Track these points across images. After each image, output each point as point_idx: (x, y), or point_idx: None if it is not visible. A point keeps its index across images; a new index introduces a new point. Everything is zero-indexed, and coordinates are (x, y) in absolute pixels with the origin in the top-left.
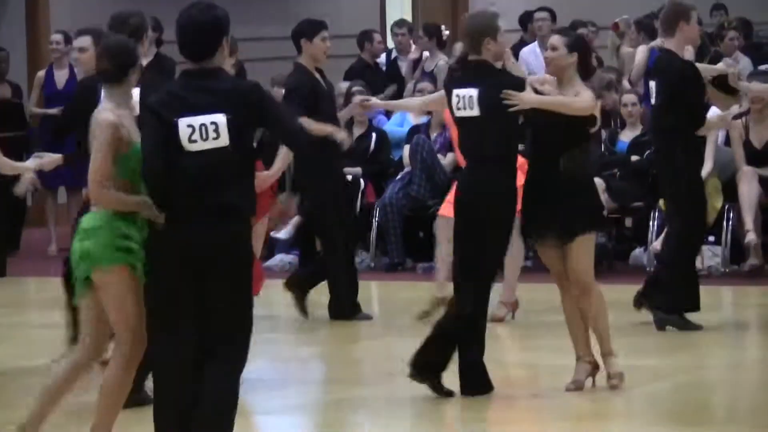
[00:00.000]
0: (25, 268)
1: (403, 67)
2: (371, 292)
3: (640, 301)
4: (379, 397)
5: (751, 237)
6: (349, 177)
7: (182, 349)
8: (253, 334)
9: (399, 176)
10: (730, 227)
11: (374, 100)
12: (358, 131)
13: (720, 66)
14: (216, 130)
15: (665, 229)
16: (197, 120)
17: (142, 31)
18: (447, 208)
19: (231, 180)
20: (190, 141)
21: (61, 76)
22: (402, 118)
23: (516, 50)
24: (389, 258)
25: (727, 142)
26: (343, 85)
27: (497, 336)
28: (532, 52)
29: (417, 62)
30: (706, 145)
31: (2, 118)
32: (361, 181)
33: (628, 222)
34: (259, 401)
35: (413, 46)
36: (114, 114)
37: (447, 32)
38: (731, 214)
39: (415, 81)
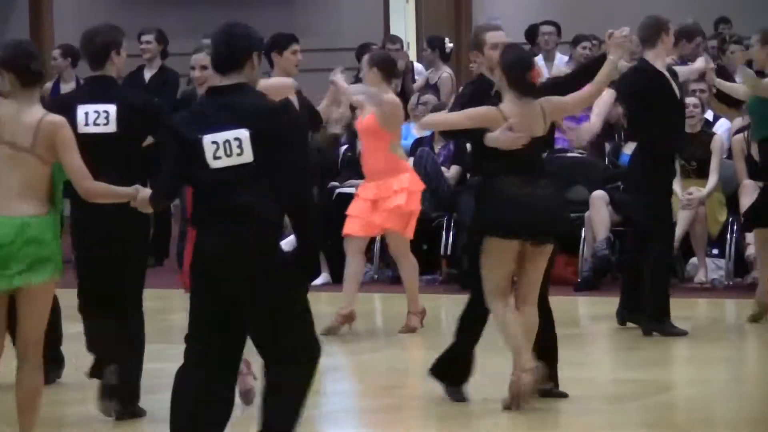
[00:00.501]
0: None
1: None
2: (374, 304)
3: (622, 316)
4: (381, 409)
5: (753, 250)
6: (353, 189)
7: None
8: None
9: None
10: (733, 240)
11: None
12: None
13: (698, 64)
14: (240, 146)
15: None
16: (221, 136)
17: (110, 48)
18: (351, 227)
19: (255, 193)
20: (215, 158)
21: (66, 89)
22: (406, 130)
23: None
24: (392, 270)
25: (730, 155)
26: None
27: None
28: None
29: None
30: (711, 160)
31: None
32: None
33: None
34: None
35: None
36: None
37: (450, 45)
38: (735, 227)
39: (419, 93)
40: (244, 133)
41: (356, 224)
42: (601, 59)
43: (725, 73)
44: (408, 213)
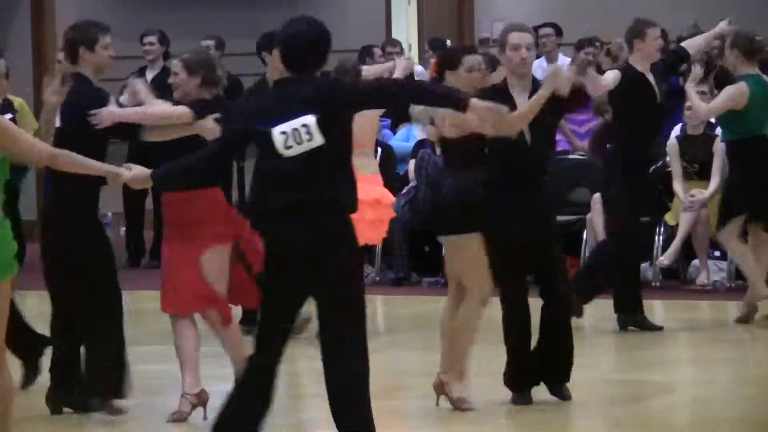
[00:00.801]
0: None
1: None
2: (376, 306)
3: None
4: (383, 410)
5: None
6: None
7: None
8: (249, 349)
9: (404, 191)
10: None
11: None
12: None
13: (719, 26)
14: (308, 132)
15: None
16: (289, 125)
17: (77, 44)
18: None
19: (329, 176)
20: (287, 147)
21: None
22: (407, 132)
23: None
24: (394, 272)
25: None
26: None
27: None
28: (538, 66)
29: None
30: (713, 162)
31: None
32: None
33: None
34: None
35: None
36: None
37: (450, 45)
38: None
39: None
40: (310, 119)
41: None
42: None
43: (726, 74)
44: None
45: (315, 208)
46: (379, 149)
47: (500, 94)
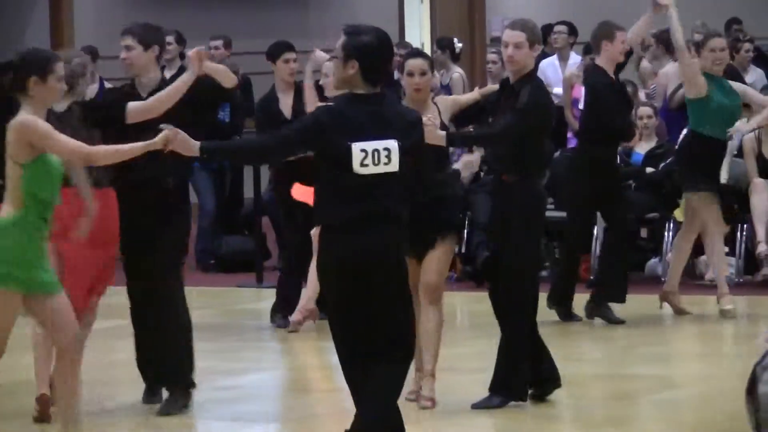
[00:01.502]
0: None
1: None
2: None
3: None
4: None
5: (762, 248)
6: None
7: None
8: (257, 343)
9: None
10: (743, 238)
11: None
12: None
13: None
14: (388, 156)
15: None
16: (371, 145)
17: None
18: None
19: (397, 196)
20: (362, 165)
21: (92, 90)
22: None
23: (536, 62)
24: None
25: (740, 154)
26: None
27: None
28: (550, 65)
29: None
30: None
31: None
32: None
33: (644, 233)
34: (264, 410)
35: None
36: None
37: (460, 45)
38: (744, 226)
39: (433, 93)
40: (393, 144)
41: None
42: None
43: (734, 72)
44: None
45: (379, 220)
46: None
47: (506, 87)
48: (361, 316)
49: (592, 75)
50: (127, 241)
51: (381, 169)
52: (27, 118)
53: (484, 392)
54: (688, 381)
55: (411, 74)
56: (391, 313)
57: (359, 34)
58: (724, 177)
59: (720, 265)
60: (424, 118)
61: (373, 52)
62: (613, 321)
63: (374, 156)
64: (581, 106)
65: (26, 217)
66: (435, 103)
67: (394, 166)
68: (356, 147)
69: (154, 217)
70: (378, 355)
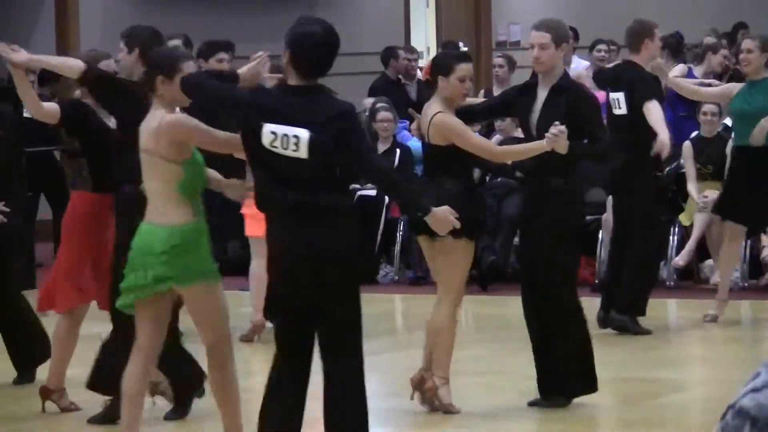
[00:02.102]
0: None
1: (411, 91)
2: (395, 304)
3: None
4: (401, 407)
5: (766, 253)
6: (374, 192)
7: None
8: (264, 345)
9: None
10: (748, 243)
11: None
12: (382, 147)
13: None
14: (296, 144)
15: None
16: (281, 129)
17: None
18: (254, 228)
19: (308, 182)
20: (271, 146)
21: None
22: None
23: None
24: (413, 271)
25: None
26: (367, 101)
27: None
28: None
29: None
30: (726, 163)
31: None
32: (386, 197)
33: None
34: None
35: (418, 70)
36: None
37: (465, 48)
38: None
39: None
40: (304, 134)
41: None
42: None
43: (740, 78)
44: None
45: (303, 208)
46: (398, 150)
47: (529, 88)
48: (300, 310)
49: (629, 72)
50: None
51: (289, 153)
52: (176, 116)
53: (484, 396)
54: (695, 384)
55: (463, 80)
56: (327, 309)
57: (302, 25)
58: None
59: (729, 271)
60: (555, 129)
61: (306, 44)
62: (641, 332)
63: (283, 140)
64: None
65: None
66: None
67: (302, 154)
68: (267, 128)
69: None
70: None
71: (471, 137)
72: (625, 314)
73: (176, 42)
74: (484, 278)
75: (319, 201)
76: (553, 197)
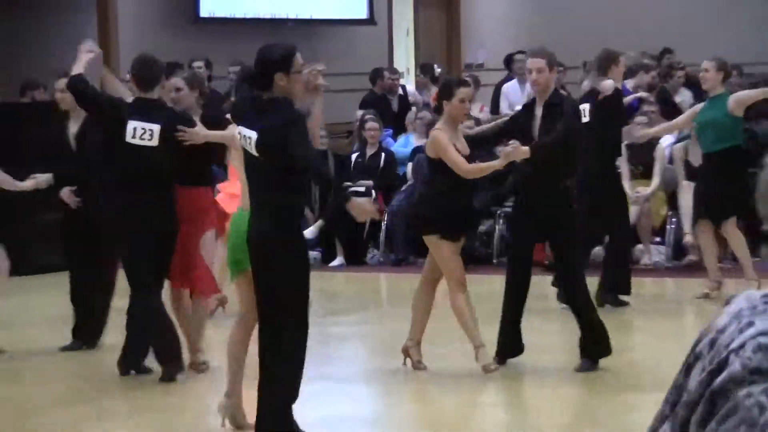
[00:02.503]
0: None
1: (394, 105)
2: (381, 283)
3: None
4: (386, 368)
5: (688, 238)
6: (363, 188)
7: None
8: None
9: (404, 188)
10: (672, 230)
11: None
12: (370, 151)
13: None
14: (151, 135)
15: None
16: (139, 125)
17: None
18: (226, 204)
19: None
20: (132, 137)
21: None
22: (406, 140)
23: (501, 85)
24: (395, 255)
25: (671, 161)
26: (359, 113)
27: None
28: (512, 87)
29: (404, 97)
30: (654, 164)
31: None
32: (373, 192)
33: None
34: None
35: (399, 87)
36: None
37: (439, 70)
38: (674, 220)
39: (416, 110)
40: (156, 128)
41: (233, 202)
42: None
43: (665, 95)
44: None
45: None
46: (383, 154)
47: (529, 108)
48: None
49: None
50: None
51: (144, 143)
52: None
53: (465, 360)
54: (629, 348)
55: (464, 101)
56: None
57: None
58: (656, 182)
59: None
60: (509, 147)
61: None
62: (622, 304)
63: (134, 131)
64: None
65: None
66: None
67: (154, 143)
68: (130, 124)
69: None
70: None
71: (451, 154)
72: (609, 293)
73: (199, 63)
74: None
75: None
76: (562, 195)
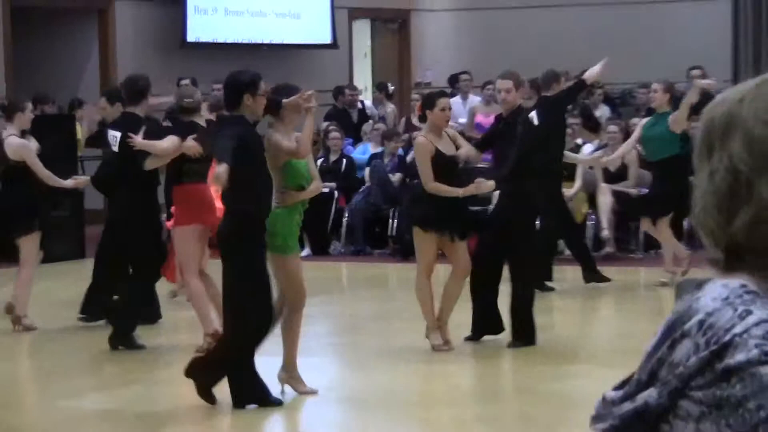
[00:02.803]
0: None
1: (354, 117)
2: (342, 271)
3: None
4: (347, 342)
5: (605, 233)
6: (327, 190)
7: None
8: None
9: (362, 189)
10: (592, 226)
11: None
12: (333, 157)
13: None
14: (114, 141)
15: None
16: (111, 133)
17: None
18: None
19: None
20: (113, 144)
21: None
22: (364, 148)
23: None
24: (355, 246)
25: (591, 167)
26: (323, 125)
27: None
28: (456, 102)
29: (362, 111)
30: (576, 169)
31: None
32: (335, 192)
33: None
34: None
35: (359, 102)
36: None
37: (392, 88)
38: (593, 217)
39: (372, 123)
40: (117, 134)
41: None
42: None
43: (587, 110)
44: None
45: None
46: (344, 160)
47: (498, 122)
48: None
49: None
50: None
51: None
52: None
53: (415, 337)
54: (550, 326)
55: (444, 110)
56: None
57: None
58: (578, 184)
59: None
60: (479, 185)
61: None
62: (549, 289)
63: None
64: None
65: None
66: (446, 133)
67: (116, 148)
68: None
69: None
70: None
71: (422, 167)
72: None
73: (186, 81)
74: (406, 251)
75: None
76: (528, 194)
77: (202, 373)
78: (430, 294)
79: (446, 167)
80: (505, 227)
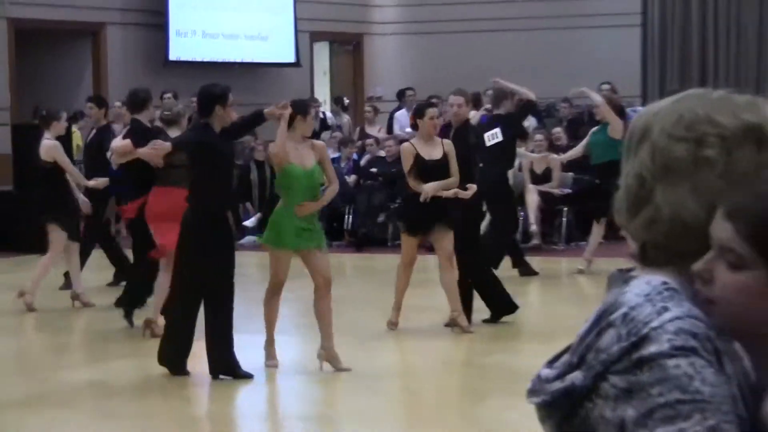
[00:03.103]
0: None
1: (315, 126)
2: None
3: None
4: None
5: (533, 228)
6: None
7: None
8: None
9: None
10: (521, 221)
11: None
12: None
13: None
14: None
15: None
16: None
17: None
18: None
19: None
20: None
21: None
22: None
23: (394, 113)
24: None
25: (520, 169)
26: None
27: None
28: (402, 114)
29: (323, 121)
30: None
31: None
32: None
33: None
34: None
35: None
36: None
37: (348, 101)
38: (522, 214)
39: (330, 131)
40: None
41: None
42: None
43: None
44: None
45: None
46: None
47: (455, 131)
48: None
49: (502, 117)
50: None
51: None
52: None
53: (375, 322)
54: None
55: (432, 118)
56: None
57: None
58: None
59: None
60: (466, 192)
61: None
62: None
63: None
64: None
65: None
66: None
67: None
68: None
69: None
70: None
71: (404, 165)
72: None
73: (169, 95)
74: (359, 243)
75: None
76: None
77: (165, 352)
78: (405, 284)
79: (426, 170)
80: (457, 229)
